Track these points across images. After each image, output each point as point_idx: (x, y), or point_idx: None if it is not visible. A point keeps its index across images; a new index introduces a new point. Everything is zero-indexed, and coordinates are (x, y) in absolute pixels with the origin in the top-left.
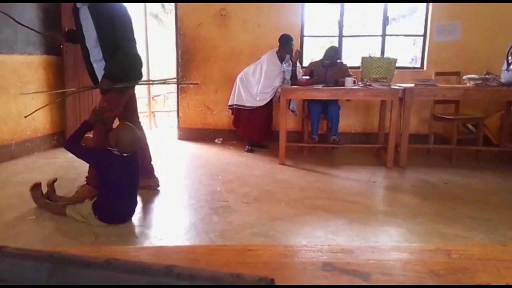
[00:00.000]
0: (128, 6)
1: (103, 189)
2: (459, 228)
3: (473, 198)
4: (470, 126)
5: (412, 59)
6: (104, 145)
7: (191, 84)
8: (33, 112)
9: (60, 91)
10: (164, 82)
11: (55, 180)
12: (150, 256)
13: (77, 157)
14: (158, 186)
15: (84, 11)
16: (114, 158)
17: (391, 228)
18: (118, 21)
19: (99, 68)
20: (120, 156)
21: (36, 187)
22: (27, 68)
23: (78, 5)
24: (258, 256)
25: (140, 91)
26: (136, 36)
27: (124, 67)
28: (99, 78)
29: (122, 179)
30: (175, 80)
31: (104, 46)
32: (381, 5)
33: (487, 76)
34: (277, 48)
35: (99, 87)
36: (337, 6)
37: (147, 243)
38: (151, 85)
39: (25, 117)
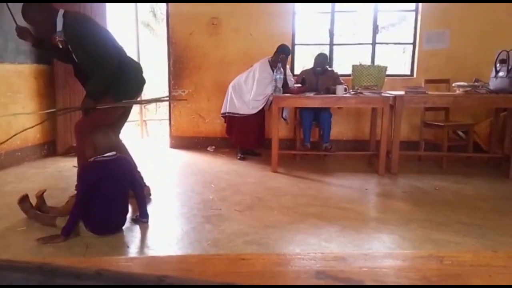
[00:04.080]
0: (119, 15)
1: (93, 200)
2: (450, 234)
3: (464, 204)
4: (460, 133)
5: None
6: (84, 160)
7: (182, 100)
8: (8, 139)
9: (45, 111)
10: (157, 100)
11: (43, 191)
12: (141, 266)
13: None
14: (149, 194)
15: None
16: (100, 165)
17: (383, 235)
18: (89, 41)
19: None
20: (104, 160)
21: (23, 199)
22: (18, 77)
23: (58, 32)
24: (251, 265)
25: None
26: (115, 42)
27: (104, 83)
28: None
29: (111, 186)
30: (167, 98)
31: (83, 65)
32: (371, 14)
33: (476, 84)
34: (270, 56)
35: (81, 108)
36: (327, 15)
37: (138, 253)
38: (143, 93)
39: (1, 143)
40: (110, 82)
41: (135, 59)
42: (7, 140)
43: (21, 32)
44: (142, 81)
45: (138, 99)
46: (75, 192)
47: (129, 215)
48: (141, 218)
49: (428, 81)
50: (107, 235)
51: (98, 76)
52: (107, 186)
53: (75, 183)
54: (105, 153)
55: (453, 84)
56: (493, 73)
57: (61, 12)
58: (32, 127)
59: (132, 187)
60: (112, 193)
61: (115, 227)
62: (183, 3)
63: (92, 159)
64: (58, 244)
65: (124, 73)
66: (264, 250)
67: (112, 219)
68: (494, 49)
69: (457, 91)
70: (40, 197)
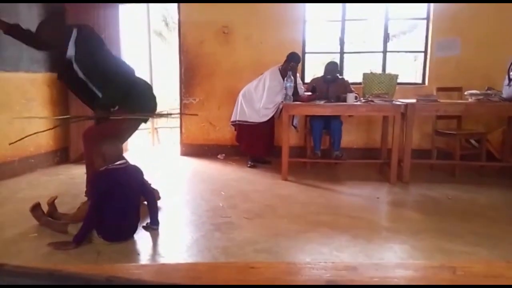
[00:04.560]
0: (131, 24)
1: (105, 208)
2: (463, 244)
3: (477, 214)
4: (472, 141)
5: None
6: (94, 169)
7: (193, 115)
8: (18, 140)
9: (59, 117)
10: (167, 115)
11: (55, 198)
12: (151, 274)
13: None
14: (159, 198)
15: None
16: (111, 174)
17: (395, 245)
18: (102, 53)
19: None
20: (115, 169)
21: (35, 207)
22: (31, 85)
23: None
24: (261, 274)
25: None
26: (125, 62)
27: (118, 95)
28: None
29: (123, 193)
30: (178, 113)
31: (91, 79)
32: (381, 22)
33: (489, 92)
34: (280, 65)
35: (94, 117)
36: (338, 24)
37: (149, 260)
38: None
39: (10, 144)
40: (122, 95)
41: (148, 66)
42: (19, 140)
43: None
44: (153, 99)
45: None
46: (86, 198)
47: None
48: (152, 225)
49: (440, 89)
50: (118, 242)
51: (111, 87)
52: (119, 194)
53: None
54: (114, 162)
55: (465, 92)
56: (506, 81)
57: (75, 30)
58: (44, 131)
59: (143, 194)
60: (124, 201)
61: (127, 234)
62: (195, 11)
63: (104, 168)
64: (69, 251)
65: (135, 88)
66: (274, 258)
67: (123, 227)
68: (506, 57)
69: (469, 99)
70: (52, 204)
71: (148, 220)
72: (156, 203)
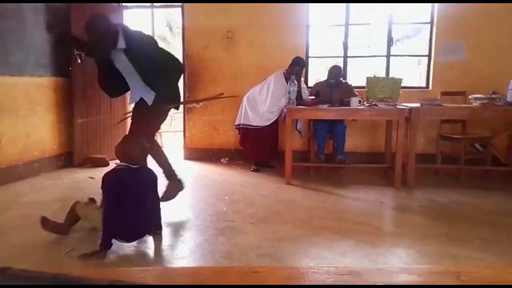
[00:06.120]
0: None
1: (115, 206)
2: (469, 250)
3: (483, 219)
4: (477, 146)
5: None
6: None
7: (232, 97)
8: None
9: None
10: (213, 98)
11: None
12: (155, 278)
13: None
14: (181, 189)
15: (117, 54)
16: (123, 174)
17: (399, 249)
18: (153, 56)
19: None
20: (128, 169)
21: (44, 222)
22: (37, 89)
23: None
24: (264, 279)
25: None
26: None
27: (173, 86)
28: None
29: (132, 195)
30: (221, 95)
31: (145, 78)
32: (385, 26)
33: (493, 96)
34: (285, 69)
35: (187, 102)
36: (341, 28)
37: (152, 264)
38: None
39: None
40: (173, 90)
41: None
42: (122, 120)
43: (77, 43)
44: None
45: None
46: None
47: None
48: (155, 230)
49: (444, 93)
50: (124, 241)
51: (167, 80)
52: (129, 195)
53: (90, 194)
54: (132, 164)
55: (470, 97)
56: (511, 85)
57: (121, 28)
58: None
59: (150, 196)
60: (132, 203)
61: (134, 236)
62: (199, 16)
63: (115, 166)
64: (72, 254)
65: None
66: (278, 263)
67: (130, 228)
68: (510, 60)
69: (474, 104)
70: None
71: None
72: (158, 208)
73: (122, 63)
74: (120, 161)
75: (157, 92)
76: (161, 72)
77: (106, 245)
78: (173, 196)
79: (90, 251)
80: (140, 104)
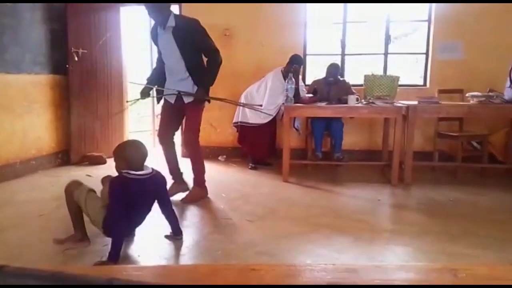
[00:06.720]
0: (133, 27)
1: (123, 215)
2: (466, 247)
3: (480, 216)
4: (474, 143)
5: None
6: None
7: (257, 109)
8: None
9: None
10: (236, 103)
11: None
12: (152, 276)
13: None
14: (206, 195)
15: (165, 35)
16: (128, 183)
17: (397, 247)
18: (200, 38)
19: (184, 86)
20: (134, 179)
21: (59, 241)
22: (34, 87)
23: (159, 31)
24: (261, 276)
25: (144, 109)
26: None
27: (215, 75)
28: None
29: (137, 203)
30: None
31: (188, 63)
32: (383, 24)
33: (491, 94)
34: (283, 67)
35: (197, 95)
36: (339, 26)
37: (149, 262)
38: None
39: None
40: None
41: (149, 69)
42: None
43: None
44: None
45: None
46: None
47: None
48: (176, 236)
49: (441, 91)
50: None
51: (212, 68)
52: (134, 202)
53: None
54: (137, 168)
55: (467, 94)
56: (508, 83)
57: (172, 13)
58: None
59: (160, 203)
60: (136, 208)
61: (128, 233)
62: (196, 14)
63: (123, 171)
64: (70, 252)
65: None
66: (275, 261)
67: (129, 228)
68: (508, 59)
69: (471, 101)
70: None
71: (149, 223)
72: (174, 213)
73: (168, 42)
74: (121, 169)
75: (202, 84)
76: (205, 61)
77: (114, 257)
78: (197, 200)
79: (101, 261)
80: (191, 102)
